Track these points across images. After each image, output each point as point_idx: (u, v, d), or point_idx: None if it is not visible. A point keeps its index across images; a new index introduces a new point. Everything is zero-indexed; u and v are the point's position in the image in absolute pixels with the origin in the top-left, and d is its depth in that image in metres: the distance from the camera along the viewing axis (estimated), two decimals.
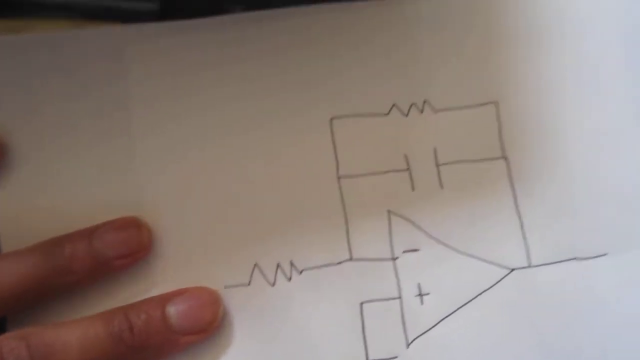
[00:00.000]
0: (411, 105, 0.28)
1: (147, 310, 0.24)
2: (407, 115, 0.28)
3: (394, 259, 0.26)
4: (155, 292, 0.25)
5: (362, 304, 0.26)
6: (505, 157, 0.28)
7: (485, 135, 0.28)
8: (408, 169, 0.27)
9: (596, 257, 0.27)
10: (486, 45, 0.28)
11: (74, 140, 0.27)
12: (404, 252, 0.26)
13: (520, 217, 0.27)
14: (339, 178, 0.27)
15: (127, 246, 0.25)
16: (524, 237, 0.27)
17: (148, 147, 0.27)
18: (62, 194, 0.26)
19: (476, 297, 0.26)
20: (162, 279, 0.26)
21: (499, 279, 0.27)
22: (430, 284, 0.26)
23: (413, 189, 0.27)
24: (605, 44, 0.29)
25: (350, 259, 0.26)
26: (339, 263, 0.26)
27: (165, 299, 0.25)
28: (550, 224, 0.27)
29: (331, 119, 0.27)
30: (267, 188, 0.27)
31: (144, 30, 0.28)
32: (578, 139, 0.28)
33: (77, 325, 0.24)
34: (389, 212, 0.27)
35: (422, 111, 0.28)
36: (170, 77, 0.27)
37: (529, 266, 0.27)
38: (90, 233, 0.25)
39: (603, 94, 0.28)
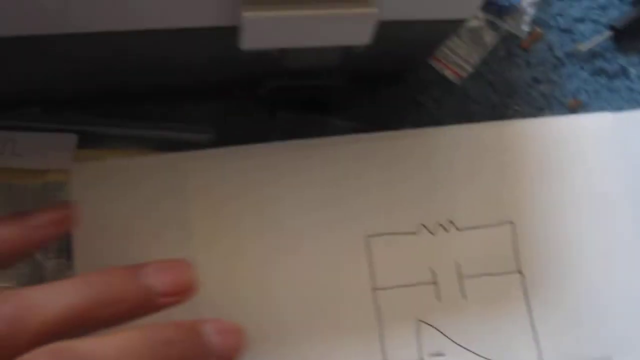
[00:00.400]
0: (437, 225, 0.32)
1: (186, 335, 0.23)
2: (434, 233, 0.32)
3: None
4: None
5: None
6: (520, 271, 0.31)
7: (502, 252, 0.32)
8: (435, 282, 0.31)
9: None
10: (502, 170, 0.32)
11: (139, 252, 0.30)
12: (431, 355, 0.30)
13: (533, 326, 0.31)
14: (374, 290, 0.31)
15: (175, 285, 0.25)
16: (537, 343, 0.31)
17: (206, 260, 0.30)
18: None
19: None
20: None
21: None
22: None
23: (439, 299, 0.31)
24: (610, 173, 0.33)
25: None
26: None
27: (200, 324, 0.24)
28: (560, 331, 0.31)
29: (367, 236, 0.32)
30: (311, 298, 0.31)
31: (202, 155, 0.32)
32: (586, 256, 0.32)
33: (112, 338, 0.22)
34: (418, 320, 0.31)
35: (447, 230, 0.32)
36: (225, 197, 0.31)
37: None
38: (140, 269, 0.25)
39: (609, 216, 0.32)
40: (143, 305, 0.24)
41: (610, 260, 0.32)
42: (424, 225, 0.32)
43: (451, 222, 0.32)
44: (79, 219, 0.28)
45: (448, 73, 0.36)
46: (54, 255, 0.31)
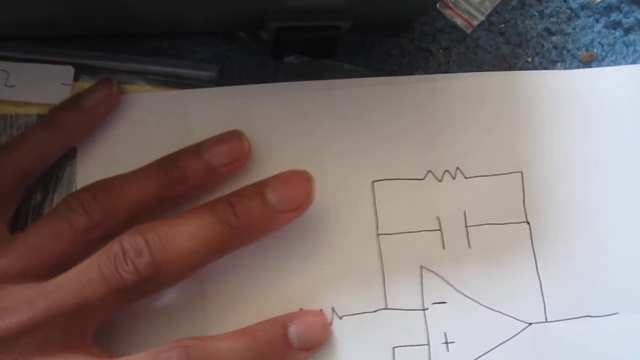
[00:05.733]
0: (445, 172, 0.31)
1: (248, 196, 0.26)
2: (440, 180, 0.31)
3: (424, 309, 0.30)
4: (211, 330, 0.29)
5: (394, 348, 0.29)
6: (527, 222, 0.31)
7: (510, 201, 0.31)
8: (440, 229, 0.30)
9: (608, 315, 0.30)
10: (512, 120, 0.32)
11: None
12: (433, 303, 0.30)
13: (539, 276, 0.30)
14: (378, 235, 0.30)
15: (230, 155, 0.28)
16: (542, 295, 0.30)
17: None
18: None
19: (496, 347, 0.29)
20: (217, 319, 0.29)
21: (517, 331, 0.29)
22: (456, 333, 0.29)
23: (444, 247, 0.30)
24: (621, 126, 0.32)
25: (386, 307, 0.29)
26: (375, 311, 0.29)
27: (262, 184, 0.27)
28: (566, 284, 0.30)
29: (373, 182, 0.31)
30: (315, 242, 0.30)
31: (204, 93, 0.32)
32: (595, 209, 0.31)
33: (186, 217, 0.26)
34: (421, 267, 0.30)
35: (454, 177, 0.31)
36: None
37: (546, 321, 0.30)
38: (197, 147, 0.28)
39: (620, 169, 0.31)
40: (208, 177, 0.28)
41: (619, 214, 0.31)
42: (431, 172, 0.31)
43: (459, 169, 0.31)
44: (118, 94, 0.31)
45: (459, 21, 0.35)
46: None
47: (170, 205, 0.28)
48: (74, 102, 0.30)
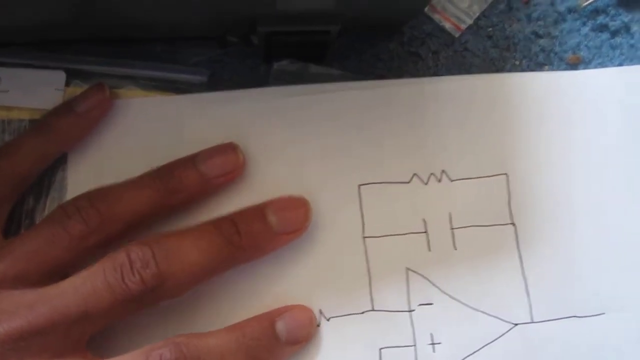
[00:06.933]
0: (430, 175, 0.31)
1: (251, 217, 0.28)
2: (426, 183, 0.31)
3: (411, 311, 0.30)
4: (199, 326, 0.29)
5: (381, 349, 0.29)
6: (513, 223, 0.31)
7: (495, 203, 0.31)
8: (426, 231, 0.31)
9: (594, 315, 0.30)
10: (498, 123, 0.32)
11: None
12: (420, 305, 0.30)
13: (525, 277, 0.30)
14: (364, 238, 0.31)
15: (225, 167, 0.29)
16: (528, 295, 0.30)
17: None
18: None
19: (482, 347, 0.30)
20: (206, 322, 0.29)
21: (503, 332, 0.30)
22: (442, 334, 0.30)
23: (429, 249, 0.31)
24: (606, 128, 0.32)
25: (372, 309, 0.30)
26: (362, 313, 0.30)
27: (264, 207, 0.28)
28: (552, 284, 0.30)
29: (359, 185, 0.31)
30: (302, 244, 0.30)
31: (196, 98, 0.32)
32: (579, 210, 0.31)
33: (192, 232, 0.27)
34: (407, 269, 0.30)
35: (439, 180, 0.31)
36: (216, 139, 0.31)
37: (532, 322, 0.30)
38: (193, 158, 0.29)
39: (604, 172, 0.32)
40: (204, 188, 0.29)
41: (603, 215, 0.31)
42: (417, 175, 0.31)
43: (444, 172, 0.31)
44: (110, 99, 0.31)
45: (447, 25, 0.35)
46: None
47: (164, 213, 0.29)
48: (66, 107, 0.30)
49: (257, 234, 0.28)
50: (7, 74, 0.31)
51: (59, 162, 0.31)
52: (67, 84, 0.31)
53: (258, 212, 0.28)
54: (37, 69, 0.31)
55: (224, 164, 0.29)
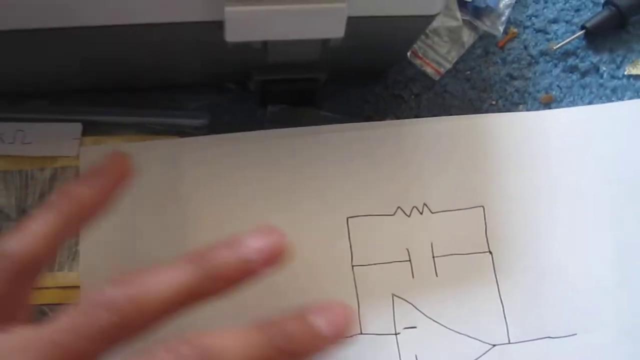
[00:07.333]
0: (413, 208, 0.34)
1: (297, 322, 0.25)
2: (409, 215, 0.34)
3: (396, 334, 0.33)
4: None
5: None
6: (490, 252, 0.34)
7: (473, 233, 0.34)
8: (409, 260, 0.33)
9: (567, 336, 0.33)
10: (475, 160, 0.35)
11: (138, 231, 0.33)
12: (405, 328, 0.33)
13: (502, 301, 0.33)
14: (352, 266, 0.33)
15: (269, 252, 0.26)
16: (505, 318, 0.33)
17: (197, 238, 0.33)
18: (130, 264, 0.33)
19: None
20: None
21: (482, 352, 0.32)
22: (426, 355, 0.32)
23: (413, 276, 0.33)
24: (575, 163, 0.35)
25: (360, 332, 0.32)
26: (351, 336, 0.32)
27: (307, 312, 0.26)
28: (527, 308, 0.33)
29: (347, 218, 0.34)
30: (294, 273, 0.33)
31: (196, 141, 0.35)
32: (550, 238, 0.34)
33: (234, 332, 0.24)
34: (393, 295, 0.33)
35: (421, 212, 0.34)
36: (216, 179, 0.34)
37: (509, 342, 0.32)
38: (234, 242, 0.26)
39: (573, 203, 0.34)
40: (245, 275, 0.26)
41: (573, 242, 0.34)
42: (401, 208, 0.34)
43: (425, 205, 0.34)
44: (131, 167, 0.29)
45: (428, 69, 0.38)
46: None
47: (203, 303, 0.26)
48: (87, 179, 0.28)
49: (305, 340, 0.25)
50: (29, 128, 0.34)
51: None
52: (84, 133, 0.35)
53: (301, 317, 0.25)
54: (56, 122, 0.35)
55: (269, 249, 0.26)
